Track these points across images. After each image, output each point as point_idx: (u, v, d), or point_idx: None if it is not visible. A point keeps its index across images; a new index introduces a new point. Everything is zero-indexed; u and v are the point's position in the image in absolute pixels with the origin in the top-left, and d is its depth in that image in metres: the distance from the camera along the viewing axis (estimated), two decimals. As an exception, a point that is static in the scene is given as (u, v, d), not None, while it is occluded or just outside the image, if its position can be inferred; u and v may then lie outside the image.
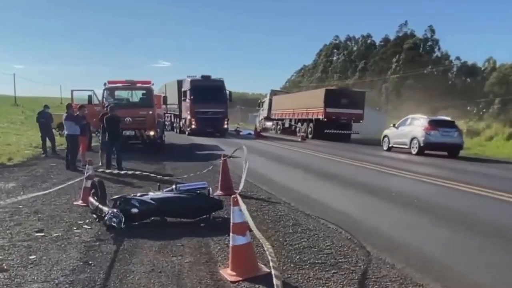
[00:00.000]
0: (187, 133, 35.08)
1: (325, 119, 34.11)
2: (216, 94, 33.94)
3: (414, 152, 21.62)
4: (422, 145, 21.28)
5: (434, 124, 21.47)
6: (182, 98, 36.44)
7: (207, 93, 33.34)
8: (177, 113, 39.67)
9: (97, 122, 15.44)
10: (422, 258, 5.80)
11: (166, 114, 41.26)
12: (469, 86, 75.84)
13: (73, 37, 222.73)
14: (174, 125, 42.11)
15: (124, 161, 14.55)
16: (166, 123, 39.56)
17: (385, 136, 24.85)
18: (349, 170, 15.12)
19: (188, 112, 34.70)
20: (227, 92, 35.14)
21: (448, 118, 23.40)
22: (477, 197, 10.21)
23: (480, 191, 10.67)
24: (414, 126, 22.28)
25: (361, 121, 35.20)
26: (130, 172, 10.81)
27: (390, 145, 24.16)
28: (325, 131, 34.00)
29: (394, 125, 24.46)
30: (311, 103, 36.00)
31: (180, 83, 38.57)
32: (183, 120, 37.24)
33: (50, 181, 11.68)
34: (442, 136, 20.97)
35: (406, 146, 22.54)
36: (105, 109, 16.56)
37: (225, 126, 35.49)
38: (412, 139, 21.91)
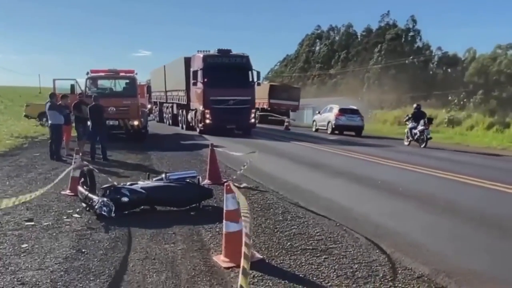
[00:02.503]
0: (198, 130, 25.50)
1: (269, 108, 41.01)
2: (240, 76, 24.54)
3: (329, 132, 28.48)
4: (333, 127, 28.14)
5: (343, 111, 28.11)
6: (192, 82, 25.40)
7: (227, 74, 23.92)
8: (184, 102, 28.50)
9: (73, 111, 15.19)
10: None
11: (166, 104, 35.29)
12: (449, 76, 76.64)
13: (51, 26, 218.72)
14: (179, 118, 30.91)
15: (108, 150, 14.47)
16: (167, 115, 34.86)
17: (314, 120, 32.25)
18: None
19: (200, 101, 24.69)
20: (255, 72, 25.35)
21: (354, 107, 29.75)
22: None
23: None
24: (331, 113, 28.80)
25: (297, 111, 44.31)
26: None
27: (316, 127, 30.94)
28: (269, 117, 39.71)
29: (318, 112, 31.63)
30: (260, 95, 37.59)
31: (187, 61, 27.55)
32: (192, 113, 26.86)
33: (35, 171, 11.59)
34: (348, 120, 27.67)
35: (325, 128, 29.15)
36: (78, 97, 16.34)
37: (252, 120, 25.77)
38: (328, 122, 28.85)
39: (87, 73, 20.23)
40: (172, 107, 33.25)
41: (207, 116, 24.18)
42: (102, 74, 20.93)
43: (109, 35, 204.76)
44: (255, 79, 25.24)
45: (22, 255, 5.38)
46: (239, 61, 25.02)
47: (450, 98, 39.52)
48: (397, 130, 31.33)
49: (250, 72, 25.03)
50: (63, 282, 4.60)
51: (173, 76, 30.82)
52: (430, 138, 20.19)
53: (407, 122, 21.63)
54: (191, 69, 25.84)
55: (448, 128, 29.60)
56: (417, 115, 20.86)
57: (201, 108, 24.61)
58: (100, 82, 21.17)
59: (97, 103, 14.39)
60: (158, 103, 38.97)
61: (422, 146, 19.96)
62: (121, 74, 21.06)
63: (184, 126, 28.65)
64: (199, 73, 24.46)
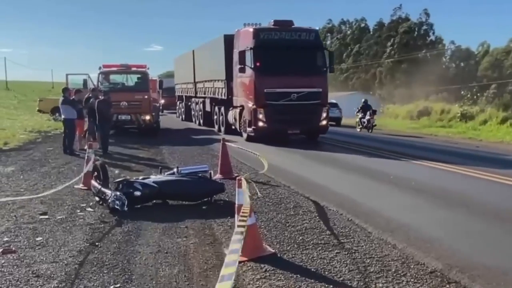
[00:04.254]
0: (245, 135, 18.04)
1: None
2: (306, 58, 17.35)
3: None
4: None
5: None
6: (237, 68, 17.69)
7: (289, 56, 16.93)
8: (222, 96, 20.87)
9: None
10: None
11: (195, 100, 27.78)
12: (463, 70, 76.00)
13: (64, 21, 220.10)
14: (214, 117, 23.07)
15: (121, 145, 14.57)
16: (197, 113, 27.34)
17: None
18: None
19: (249, 96, 17.44)
20: (326, 53, 18.21)
21: (333, 101, 31.07)
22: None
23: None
24: None
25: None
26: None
27: None
28: None
29: None
30: None
31: (229, 41, 19.65)
32: (235, 111, 19.06)
33: (48, 165, 11.70)
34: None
35: None
36: (90, 92, 16.44)
37: (324, 121, 17.81)
38: None
39: (100, 68, 20.33)
40: (203, 102, 25.40)
41: (260, 116, 16.68)
42: (114, 69, 21.03)
43: (121, 30, 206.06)
44: (327, 63, 17.70)
45: (37, 248, 5.45)
46: (306, 38, 17.38)
47: (463, 92, 39.11)
48: (409, 124, 31.10)
49: (320, 53, 17.72)
50: (77, 274, 4.66)
51: (207, 63, 23.75)
52: (375, 125, 25.13)
53: (357, 114, 26.12)
54: (235, 51, 18.29)
55: (461, 122, 29.28)
56: (365, 108, 25.55)
57: (250, 104, 17.05)
58: (112, 77, 21.28)
59: (106, 97, 14.49)
60: (183, 97, 31.72)
61: (369, 131, 24.57)
62: (133, 69, 21.15)
63: (222, 129, 21.29)
64: (248, 55, 16.87)
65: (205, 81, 24.10)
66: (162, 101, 38.97)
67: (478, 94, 48.62)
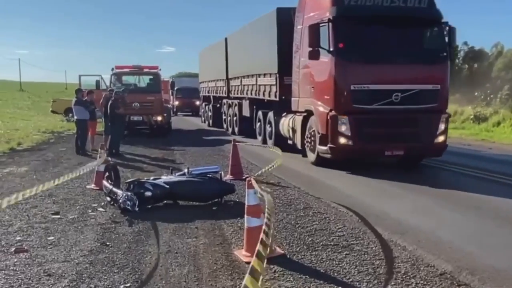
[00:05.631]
0: (312, 156, 12.00)
1: None
2: (417, 37, 11.72)
3: None
4: None
5: None
6: (308, 52, 11.22)
7: (388, 34, 11.29)
8: (272, 97, 15.26)
9: (101, 107, 15.51)
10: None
11: (227, 101, 22.43)
12: (476, 72, 75.32)
13: (77, 22, 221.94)
14: (257, 125, 17.41)
15: (132, 146, 14.68)
16: (230, 118, 21.73)
17: None
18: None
19: (324, 96, 11.19)
20: (445, 29, 11.42)
21: None
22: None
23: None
24: None
25: None
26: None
27: None
28: None
29: None
30: None
31: (284, 18, 14.02)
32: (295, 119, 13.13)
33: (61, 165, 11.83)
34: None
35: None
36: (108, 93, 16.60)
37: (441, 138, 11.18)
38: None
39: (112, 69, 20.51)
40: (239, 105, 20.08)
41: (342, 128, 10.67)
42: (127, 70, 21.21)
43: (134, 32, 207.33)
44: (448, 45, 11.45)
45: (48, 247, 5.52)
46: (416, 5, 11.09)
47: (476, 94, 38.74)
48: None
49: (438, 29, 11.54)
50: (88, 274, 4.71)
51: (247, 53, 18.37)
52: None
53: None
54: (298, 28, 12.65)
55: (474, 124, 29.00)
56: None
57: (325, 109, 11.01)
58: (124, 78, 21.42)
59: (118, 98, 14.59)
60: (211, 98, 26.49)
61: None
62: (145, 70, 21.34)
63: (270, 142, 15.22)
64: (324, 32, 10.83)
65: (243, 76, 18.68)
66: (176, 103, 38.61)
67: (492, 96, 48.21)
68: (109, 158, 9.21)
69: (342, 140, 10.68)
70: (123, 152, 14.11)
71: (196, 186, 7.67)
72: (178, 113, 38.73)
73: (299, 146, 12.86)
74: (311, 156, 12.06)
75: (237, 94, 20.11)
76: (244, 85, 18.82)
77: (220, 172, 8.31)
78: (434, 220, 6.92)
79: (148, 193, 7.37)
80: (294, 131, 13.19)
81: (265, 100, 16.06)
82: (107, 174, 8.34)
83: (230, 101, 21.96)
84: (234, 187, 8.05)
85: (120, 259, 5.15)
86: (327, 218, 6.83)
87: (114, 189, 7.53)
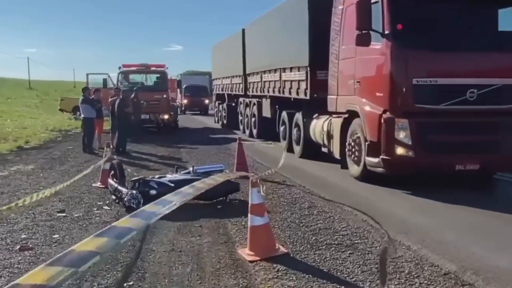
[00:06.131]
0: (357, 169, 9.53)
1: None
2: (495, 18, 8.99)
3: None
4: None
5: None
6: (356, 37, 8.72)
7: (459, 14, 8.90)
8: (300, 95, 12.80)
9: (109, 106, 15.63)
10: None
11: (244, 100, 20.14)
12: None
13: (86, 21, 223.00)
14: (280, 128, 14.87)
15: (139, 144, 14.73)
16: (247, 119, 19.14)
17: None
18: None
19: (376, 92, 8.82)
20: None
21: None
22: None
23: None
24: None
25: None
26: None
27: None
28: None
29: None
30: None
31: None
32: (333, 122, 10.63)
33: (68, 163, 11.91)
34: None
35: None
36: (113, 92, 16.71)
37: None
38: None
39: (119, 68, 20.61)
40: (258, 104, 17.73)
41: (401, 135, 8.34)
42: (134, 68, 21.31)
43: (142, 30, 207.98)
44: None
45: (53, 245, 5.56)
46: None
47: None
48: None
49: None
50: (92, 272, 4.72)
51: (269, 44, 15.87)
52: None
53: None
54: (338, 9, 10.41)
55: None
56: None
57: (376, 110, 8.76)
58: (131, 76, 21.57)
59: (123, 97, 14.66)
60: (225, 96, 24.26)
61: None
62: (152, 68, 21.40)
63: (298, 148, 13.14)
64: (377, 10, 8.61)
65: (264, 72, 16.34)
66: (184, 101, 38.10)
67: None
68: (114, 156, 9.23)
69: (400, 151, 8.28)
70: (130, 150, 14.17)
71: (201, 185, 7.67)
72: (187, 112, 38.24)
73: (336, 155, 10.49)
74: (354, 169, 9.62)
75: (256, 92, 17.72)
76: (264, 81, 16.38)
77: (225, 171, 8.31)
78: (439, 219, 6.88)
79: (153, 192, 7.37)
80: (330, 136, 10.78)
81: (292, 99, 13.60)
82: (112, 172, 8.36)
83: (247, 100, 19.56)
84: (239, 186, 8.05)
85: (124, 257, 5.16)
86: (332, 217, 6.82)
87: (119, 188, 7.55)
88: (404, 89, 8.32)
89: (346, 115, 9.98)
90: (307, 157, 12.43)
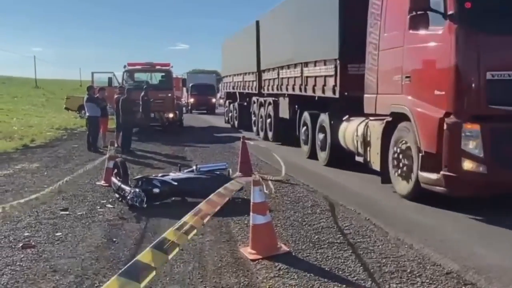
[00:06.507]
0: (406, 187, 7.61)
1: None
2: None
3: None
4: None
5: None
6: (409, 19, 7.15)
7: None
8: (326, 94, 11.29)
9: (113, 104, 15.68)
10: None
11: (258, 99, 18.25)
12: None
13: (91, 20, 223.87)
14: (301, 130, 13.14)
15: (143, 142, 14.76)
16: (263, 120, 16.94)
17: None
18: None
19: (436, 90, 6.96)
20: None
21: None
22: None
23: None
24: None
25: None
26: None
27: None
28: None
29: None
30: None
31: None
32: (371, 126, 8.88)
33: (72, 161, 11.96)
34: None
35: None
36: (118, 90, 16.75)
37: None
38: None
39: (124, 66, 20.65)
40: (275, 104, 15.84)
41: (470, 145, 6.47)
42: (139, 67, 21.33)
43: (148, 29, 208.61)
44: None
45: (56, 243, 5.57)
46: None
47: None
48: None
49: None
50: (93, 270, 4.75)
51: (287, 36, 14.23)
52: None
53: None
54: None
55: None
56: None
57: (434, 113, 6.89)
58: (136, 75, 21.58)
59: (127, 95, 14.69)
60: (237, 95, 22.94)
61: None
62: (157, 67, 21.41)
63: (323, 155, 11.57)
64: None
65: (282, 67, 14.72)
66: (191, 100, 37.70)
67: None
68: (118, 155, 9.26)
69: (468, 165, 6.47)
70: (134, 149, 14.20)
71: (204, 183, 7.68)
72: (193, 111, 37.82)
73: (375, 167, 8.69)
74: (402, 186, 7.79)
75: (272, 90, 16.02)
76: (282, 78, 14.70)
77: (228, 169, 8.32)
78: (444, 219, 6.84)
79: (156, 190, 7.40)
80: (366, 143, 8.99)
81: (316, 98, 12.02)
82: (115, 170, 8.38)
83: (261, 99, 17.65)
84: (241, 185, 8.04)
85: (126, 255, 5.17)
86: (335, 216, 6.79)
87: (123, 186, 7.57)
88: (474, 86, 6.56)
89: (390, 118, 8.10)
90: (334, 165, 10.85)
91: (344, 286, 4.40)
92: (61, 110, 32.73)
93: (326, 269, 4.82)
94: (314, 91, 11.96)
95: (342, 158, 10.45)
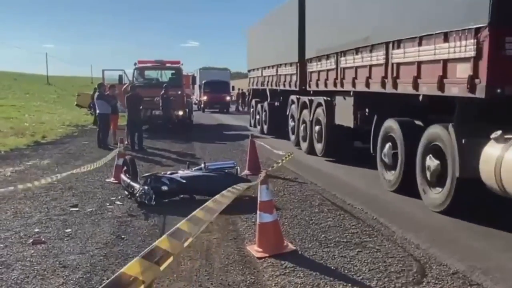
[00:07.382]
0: None
1: None
2: None
3: None
4: None
5: None
6: None
7: None
8: (442, 90, 6.52)
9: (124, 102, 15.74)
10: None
11: (301, 100, 13.68)
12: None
13: (103, 18, 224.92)
14: (375, 152, 9.00)
15: (153, 140, 14.84)
16: (306, 125, 12.90)
17: None
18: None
19: None
20: None
21: None
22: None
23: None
24: None
25: None
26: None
27: None
28: None
29: None
30: None
31: None
32: None
33: (82, 158, 12.06)
34: None
35: None
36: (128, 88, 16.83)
37: None
38: None
39: (135, 64, 20.73)
40: (328, 106, 11.73)
41: None
42: (149, 64, 21.41)
43: (159, 27, 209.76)
44: None
45: (65, 239, 5.65)
46: None
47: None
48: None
49: None
50: (102, 266, 4.81)
51: (357, 5, 9.76)
52: None
53: None
54: None
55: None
56: None
57: None
58: (147, 72, 21.67)
59: (135, 92, 14.75)
60: (266, 92, 18.63)
61: None
62: (167, 64, 21.48)
63: (444, 196, 6.68)
64: None
65: (342, 52, 10.53)
66: (204, 98, 36.42)
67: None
68: (126, 152, 9.34)
69: None
70: (144, 146, 14.28)
71: (212, 181, 7.72)
72: (206, 110, 36.46)
73: None
74: None
75: (325, 86, 11.84)
76: (344, 68, 10.51)
77: (236, 167, 8.36)
78: (450, 219, 6.82)
79: (165, 188, 7.47)
80: None
81: (420, 97, 7.34)
82: (125, 168, 8.46)
83: (305, 99, 13.42)
84: (250, 182, 8.08)
85: (134, 252, 5.22)
86: (342, 215, 6.81)
87: (132, 183, 7.64)
88: None
89: None
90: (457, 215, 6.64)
91: (349, 285, 4.43)
92: (72, 106, 32.93)
93: (332, 268, 4.85)
94: (417, 87, 7.34)
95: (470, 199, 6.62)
